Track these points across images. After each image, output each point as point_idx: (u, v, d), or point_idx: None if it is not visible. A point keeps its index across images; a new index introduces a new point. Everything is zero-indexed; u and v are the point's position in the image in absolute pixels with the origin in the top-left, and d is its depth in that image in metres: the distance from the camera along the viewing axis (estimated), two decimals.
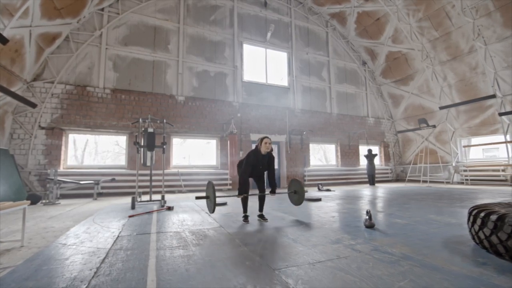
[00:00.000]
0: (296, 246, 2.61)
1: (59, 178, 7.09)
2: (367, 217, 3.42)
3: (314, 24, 13.11)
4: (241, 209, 3.94)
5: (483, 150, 12.52)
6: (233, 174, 8.98)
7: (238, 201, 6.29)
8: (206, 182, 9.52)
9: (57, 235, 3.14)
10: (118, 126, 8.73)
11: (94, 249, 2.54)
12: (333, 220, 3.97)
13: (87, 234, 3.16)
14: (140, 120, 6.27)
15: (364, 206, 5.42)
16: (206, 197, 4.01)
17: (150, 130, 6.09)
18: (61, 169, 7.93)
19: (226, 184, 9.83)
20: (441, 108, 11.76)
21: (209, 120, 10.05)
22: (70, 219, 4.18)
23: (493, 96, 10.09)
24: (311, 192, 8.56)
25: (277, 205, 5.64)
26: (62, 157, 8.09)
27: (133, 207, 5.23)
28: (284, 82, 12.10)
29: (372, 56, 13.86)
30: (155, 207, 5.43)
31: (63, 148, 8.11)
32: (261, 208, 3.99)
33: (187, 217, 4.30)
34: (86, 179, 7.74)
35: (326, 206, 5.40)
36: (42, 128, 7.87)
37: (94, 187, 7.41)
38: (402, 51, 12.54)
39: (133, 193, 6.59)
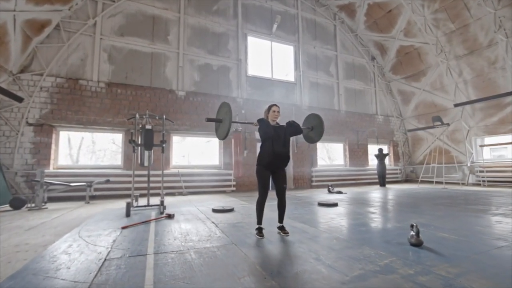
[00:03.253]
0: (341, 277, 1.97)
1: (49, 179, 6.43)
2: (413, 233, 2.79)
3: (322, 16, 12.43)
4: (252, 218, 3.28)
5: (490, 149, 11.87)
6: (238, 174, 8.33)
7: (246, 207, 5.66)
8: (208, 184, 8.98)
9: (28, 257, 2.49)
10: (114, 123, 8.06)
11: (70, 283, 1.89)
12: (365, 233, 3.34)
13: (67, 255, 2.51)
14: (137, 116, 5.61)
15: (389, 213, 4.80)
16: (218, 120, 3.35)
17: (148, 127, 5.43)
18: (51, 169, 7.27)
19: (230, 186, 9.19)
20: (456, 105, 11.12)
21: (211, 117, 9.36)
22: (52, 231, 3.53)
23: None
24: (323, 195, 7.94)
25: (290, 211, 5.01)
26: (52, 156, 7.42)
27: (127, 214, 4.58)
28: (291, 77, 11.44)
29: (382, 51, 13.20)
30: (153, 214, 4.79)
31: (53, 146, 7.43)
32: (281, 218, 3.35)
33: (191, 228, 3.66)
34: (79, 180, 7.09)
35: (347, 214, 4.77)
36: (30, 124, 7.19)
37: (87, 189, 6.74)
38: (414, 45, 11.89)
39: (129, 195, 5.95)
